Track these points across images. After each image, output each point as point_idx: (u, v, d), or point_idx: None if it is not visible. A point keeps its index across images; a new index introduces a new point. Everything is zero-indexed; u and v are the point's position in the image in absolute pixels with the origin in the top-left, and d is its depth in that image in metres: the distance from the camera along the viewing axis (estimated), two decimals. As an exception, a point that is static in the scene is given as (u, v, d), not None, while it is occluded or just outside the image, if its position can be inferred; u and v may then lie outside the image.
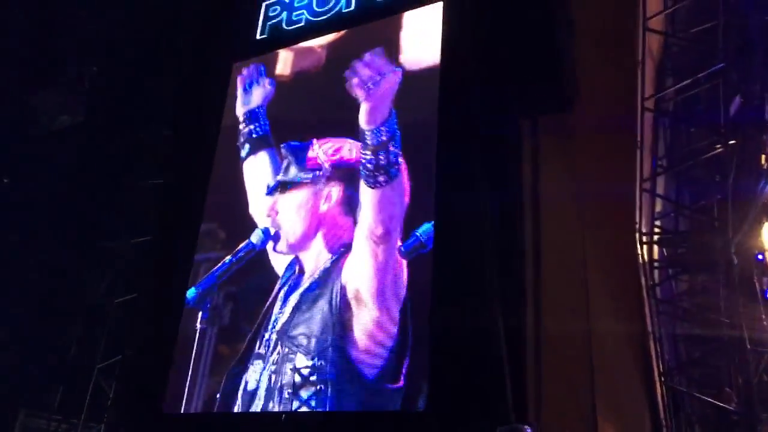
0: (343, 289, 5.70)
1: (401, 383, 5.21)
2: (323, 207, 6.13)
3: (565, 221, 5.13)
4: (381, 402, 5.28)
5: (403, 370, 5.24)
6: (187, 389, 6.27)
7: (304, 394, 5.53)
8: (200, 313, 6.41)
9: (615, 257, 5.12)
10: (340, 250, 5.92)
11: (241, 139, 6.97)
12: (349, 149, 6.19)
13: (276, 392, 5.68)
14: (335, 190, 6.13)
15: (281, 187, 6.36)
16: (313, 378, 5.52)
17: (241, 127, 7.05)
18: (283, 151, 6.48)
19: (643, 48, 5.52)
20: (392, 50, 6.44)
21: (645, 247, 5.24)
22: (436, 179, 5.69)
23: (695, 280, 6.06)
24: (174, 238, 7.55)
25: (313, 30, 7.44)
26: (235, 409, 5.91)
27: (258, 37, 7.89)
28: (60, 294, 8.17)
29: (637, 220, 5.20)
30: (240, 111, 7.17)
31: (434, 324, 5.21)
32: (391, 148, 5.81)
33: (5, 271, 8.21)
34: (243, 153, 6.92)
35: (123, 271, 8.04)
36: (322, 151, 6.27)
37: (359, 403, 5.35)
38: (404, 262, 5.55)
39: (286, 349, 5.74)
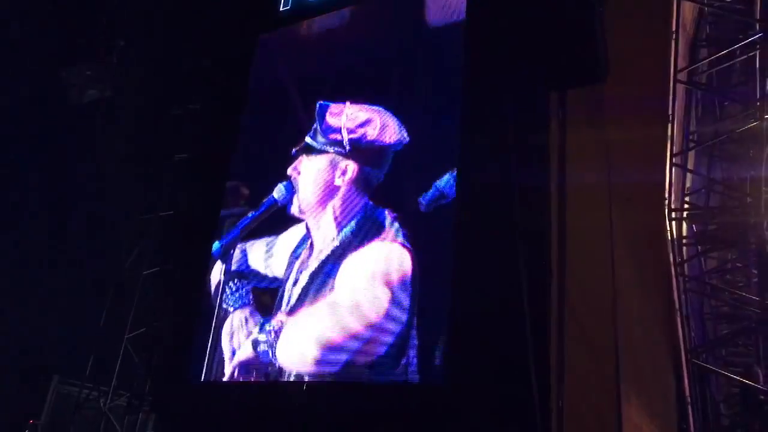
0: (343, 281, 5.70)
1: (405, 360, 5.25)
2: (338, 180, 6.15)
3: (593, 196, 5.05)
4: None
5: (408, 357, 5.27)
6: (208, 350, 6.43)
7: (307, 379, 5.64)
8: (223, 266, 6.60)
9: (643, 233, 5.03)
10: (347, 233, 5.92)
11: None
12: (375, 127, 6.14)
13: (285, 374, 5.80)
14: (351, 167, 6.13)
15: (306, 149, 6.43)
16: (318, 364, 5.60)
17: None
18: (317, 110, 6.42)
19: (677, 18, 5.34)
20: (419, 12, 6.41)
21: (674, 223, 5.14)
22: (458, 151, 5.63)
23: (725, 258, 5.95)
24: (199, 209, 7.64)
25: (338, 1, 7.37)
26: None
27: (282, 8, 7.84)
28: (91, 266, 8.35)
29: (667, 195, 5.09)
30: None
31: (455, 301, 5.20)
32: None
33: (39, 244, 8.41)
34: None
35: (151, 243, 8.18)
36: (348, 118, 6.26)
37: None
38: (408, 254, 5.51)
39: (292, 335, 5.81)
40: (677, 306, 4.92)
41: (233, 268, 6.56)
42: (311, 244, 6.14)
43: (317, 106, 6.49)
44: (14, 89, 8.13)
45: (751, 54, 5.50)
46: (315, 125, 6.43)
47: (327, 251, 5.95)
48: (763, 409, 4.94)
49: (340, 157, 6.16)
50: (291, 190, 6.41)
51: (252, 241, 6.58)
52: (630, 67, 5.30)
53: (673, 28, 5.31)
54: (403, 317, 5.35)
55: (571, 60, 5.16)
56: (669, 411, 4.69)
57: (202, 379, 6.47)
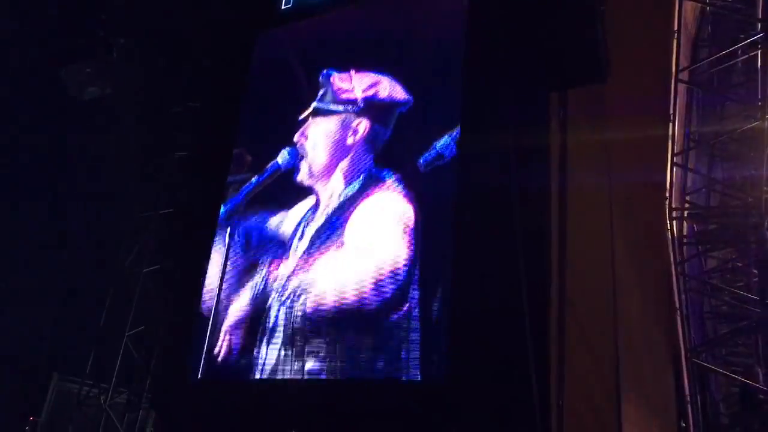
0: (349, 233, 5.86)
1: (405, 309, 5.38)
2: (349, 140, 6.26)
3: (593, 196, 5.05)
4: (384, 334, 5.43)
5: (415, 297, 5.39)
6: (213, 311, 6.47)
7: (313, 341, 5.73)
8: (228, 229, 6.67)
9: (643, 232, 5.04)
10: (354, 189, 6.06)
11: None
12: (385, 87, 6.30)
13: (290, 336, 5.92)
14: (363, 125, 6.21)
15: (314, 113, 6.50)
16: (319, 323, 5.72)
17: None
18: (321, 79, 6.62)
19: (679, 18, 5.34)
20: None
21: (675, 222, 5.14)
22: (458, 151, 5.67)
23: (725, 257, 5.95)
24: (199, 207, 7.64)
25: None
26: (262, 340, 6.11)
27: (283, 7, 7.83)
28: (91, 263, 8.34)
29: (668, 194, 5.09)
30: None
31: (454, 299, 5.22)
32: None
33: (39, 242, 8.41)
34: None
35: (151, 241, 8.18)
36: (358, 82, 6.33)
37: (368, 337, 5.49)
38: (411, 206, 5.63)
39: (299, 292, 5.95)
40: (677, 305, 4.92)
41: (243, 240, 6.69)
42: (317, 203, 6.27)
43: (324, 73, 6.63)
44: (14, 87, 8.12)
45: (753, 54, 5.50)
46: (324, 90, 6.60)
47: (333, 205, 6.09)
48: (763, 409, 4.95)
49: (353, 116, 6.32)
50: (295, 156, 6.53)
51: (262, 216, 6.67)
52: (631, 66, 5.31)
53: (675, 28, 5.31)
54: (407, 259, 5.50)
55: (571, 60, 5.16)
56: (668, 410, 4.70)
57: (199, 377, 6.48)
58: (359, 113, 6.31)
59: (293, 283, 6.09)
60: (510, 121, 5.32)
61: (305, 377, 5.76)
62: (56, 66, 7.92)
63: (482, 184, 5.49)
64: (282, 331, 6.03)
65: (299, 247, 6.21)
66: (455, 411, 5.01)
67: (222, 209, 7.00)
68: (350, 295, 5.67)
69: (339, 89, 6.51)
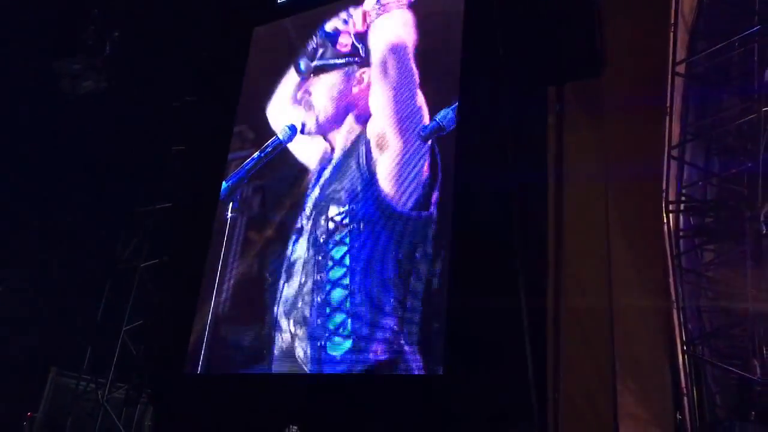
0: (368, 143, 6.02)
1: (432, 210, 5.47)
2: (354, 89, 6.32)
3: (590, 188, 5.05)
4: (414, 230, 5.49)
5: (433, 199, 5.52)
6: (217, 277, 6.64)
7: (337, 236, 5.87)
8: (230, 204, 6.72)
9: (640, 225, 5.03)
10: (365, 126, 6.22)
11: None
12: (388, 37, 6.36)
13: (312, 261, 6.04)
14: (367, 74, 6.22)
15: (316, 70, 6.55)
16: (346, 221, 5.86)
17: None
18: (319, 39, 6.75)
19: (676, 10, 5.32)
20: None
21: (671, 215, 5.13)
22: (456, 147, 5.70)
23: (721, 250, 5.95)
24: (197, 203, 7.63)
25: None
26: (281, 283, 6.21)
27: (279, 1, 7.82)
28: (88, 258, 8.34)
29: (664, 187, 5.08)
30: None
31: (452, 299, 5.24)
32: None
33: (36, 236, 8.40)
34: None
35: (148, 235, 8.17)
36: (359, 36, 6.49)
37: (393, 233, 5.61)
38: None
39: (321, 211, 6.11)
40: (674, 298, 4.92)
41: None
42: (331, 148, 6.38)
43: (322, 30, 6.76)
44: (9, 81, 8.09)
45: (750, 46, 5.49)
46: (321, 51, 6.72)
47: (347, 146, 6.23)
48: (759, 401, 4.96)
49: (354, 68, 6.43)
50: (295, 131, 6.59)
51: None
52: (627, 59, 5.29)
53: (672, 20, 5.29)
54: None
55: (568, 53, 5.16)
56: (665, 402, 4.70)
57: (199, 371, 6.49)
58: (361, 64, 6.39)
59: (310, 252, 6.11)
60: (507, 115, 5.33)
61: (308, 370, 5.76)
62: (50, 60, 7.90)
63: (480, 178, 5.50)
64: (291, 315, 6.03)
65: (317, 184, 6.31)
66: (452, 403, 5.02)
67: (224, 185, 7.08)
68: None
69: (340, 43, 6.55)
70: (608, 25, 5.14)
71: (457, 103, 5.78)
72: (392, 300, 5.50)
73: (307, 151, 6.66)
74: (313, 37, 7.01)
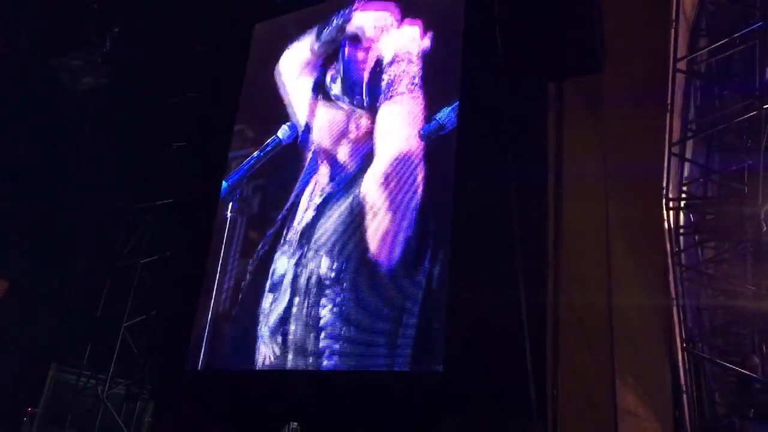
0: (362, 197, 5.94)
1: (424, 267, 5.41)
2: (352, 135, 6.27)
3: (590, 185, 5.04)
4: (402, 290, 5.47)
5: (425, 264, 5.44)
6: (218, 276, 6.60)
7: (328, 292, 5.79)
8: (230, 203, 6.73)
9: (640, 222, 5.03)
10: (363, 159, 6.14)
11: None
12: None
13: (300, 289, 6.00)
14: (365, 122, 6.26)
15: (324, 96, 6.64)
16: (333, 276, 5.79)
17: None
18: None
19: (677, 7, 5.31)
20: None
21: (672, 212, 5.13)
22: (456, 145, 5.69)
23: (722, 247, 5.95)
24: (197, 199, 7.63)
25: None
26: (265, 292, 6.21)
27: (279, -1, 7.80)
28: (88, 254, 8.34)
29: (665, 184, 5.08)
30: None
31: (451, 297, 5.24)
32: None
33: (36, 232, 8.40)
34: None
35: (148, 232, 8.17)
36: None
37: (381, 292, 5.54)
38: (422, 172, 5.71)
39: (310, 252, 6.04)
40: (673, 295, 4.92)
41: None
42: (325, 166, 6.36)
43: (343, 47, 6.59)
44: (6, 77, 8.08)
45: (751, 44, 5.48)
46: (337, 73, 6.57)
47: (342, 177, 6.20)
48: (759, 398, 4.96)
49: (359, 111, 6.35)
50: (295, 130, 6.57)
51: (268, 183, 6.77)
52: (628, 56, 5.28)
53: (673, 17, 5.28)
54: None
55: (568, 49, 5.14)
56: (664, 399, 4.71)
57: (199, 368, 6.49)
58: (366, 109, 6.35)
59: (308, 255, 6.11)
60: (507, 112, 5.31)
61: (308, 367, 5.76)
62: (49, 57, 7.89)
63: (479, 176, 5.49)
64: (290, 315, 6.03)
65: (307, 212, 6.26)
66: (452, 401, 5.02)
67: (224, 184, 7.06)
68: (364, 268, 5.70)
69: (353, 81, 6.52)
70: (609, 22, 5.13)
71: (457, 102, 5.76)
72: (391, 300, 5.50)
73: (305, 160, 6.61)
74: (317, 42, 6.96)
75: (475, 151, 5.60)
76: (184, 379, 6.73)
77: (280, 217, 6.49)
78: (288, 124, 6.77)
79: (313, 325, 5.80)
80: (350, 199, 6.00)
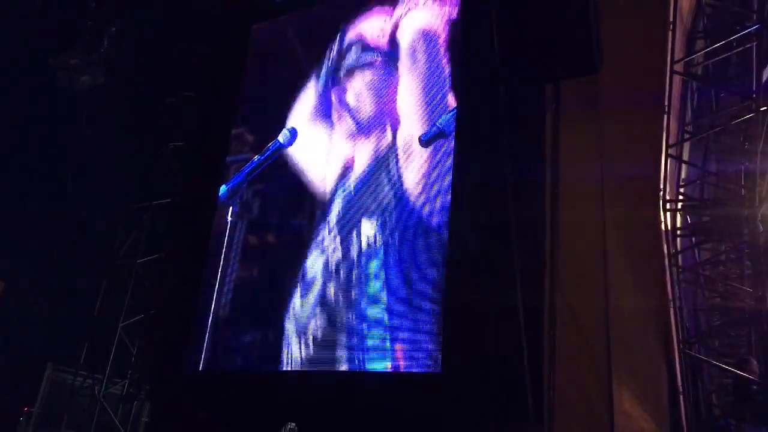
0: (397, 153, 5.95)
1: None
2: (386, 90, 6.26)
3: (586, 187, 5.05)
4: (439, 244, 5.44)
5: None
6: (216, 289, 6.56)
7: (371, 251, 5.76)
8: (230, 208, 6.70)
9: (636, 223, 5.03)
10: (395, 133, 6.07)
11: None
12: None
13: (333, 273, 5.93)
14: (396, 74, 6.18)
15: (347, 72, 6.56)
16: (379, 236, 5.77)
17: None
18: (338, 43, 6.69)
19: (674, 9, 5.32)
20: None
21: (669, 214, 5.14)
22: (453, 146, 5.69)
23: (718, 249, 5.96)
24: (194, 199, 7.62)
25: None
26: (293, 291, 6.15)
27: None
28: (85, 254, 8.34)
29: (662, 186, 5.08)
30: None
31: (449, 298, 5.25)
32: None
33: (32, 232, 8.39)
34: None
35: (145, 232, 8.16)
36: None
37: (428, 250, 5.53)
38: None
39: (350, 226, 5.99)
40: (670, 297, 4.92)
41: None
42: (352, 158, 6.27)
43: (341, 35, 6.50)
44: (5, 76, 8.07)
45: (748, 46, 5.49)
46: (345, 49, 6.51)
47: (373, 160, 6.11)
48: (755, 400, 4.97)
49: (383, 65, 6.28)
50: (296, 134, 6.53)
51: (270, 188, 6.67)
52: (625, 58, 5.29)
53: (670, 19, 5.29)
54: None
55: (565, 51, 5.15)
56: (660, 400, 4.71)
57: (197, 369, 6.49)
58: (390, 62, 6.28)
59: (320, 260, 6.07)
60: (504, 113, 5.32)
61: (308, 367, 5.76)
62: (46, 56, 7.88)
63: (477, 176, 5.50)
64: (294, 315, 6.01)
65: (339, 197, 6.19)
66: (449, 400, 5.03)
67: (223, 188, 7.01)
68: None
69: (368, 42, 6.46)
70: (606, 23, 5.13)
71: (456, 107, 5.75)
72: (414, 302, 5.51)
73: (314, 156, 6.54)
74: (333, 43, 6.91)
75: (473, 152, 5.61)
76: (182, 380, 6.73)
77: (287, 220, 6.43)
78: (288, 128, 6.69)
79: (351, 339, 5.72)
80: (383, 180, 5.94)
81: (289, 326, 6.01)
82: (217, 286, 6.60)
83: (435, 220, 5.56)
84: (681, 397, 4.73)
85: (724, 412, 5.40)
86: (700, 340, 5.55)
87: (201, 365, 6.48)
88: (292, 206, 6.51)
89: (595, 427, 4.54)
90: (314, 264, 6.14)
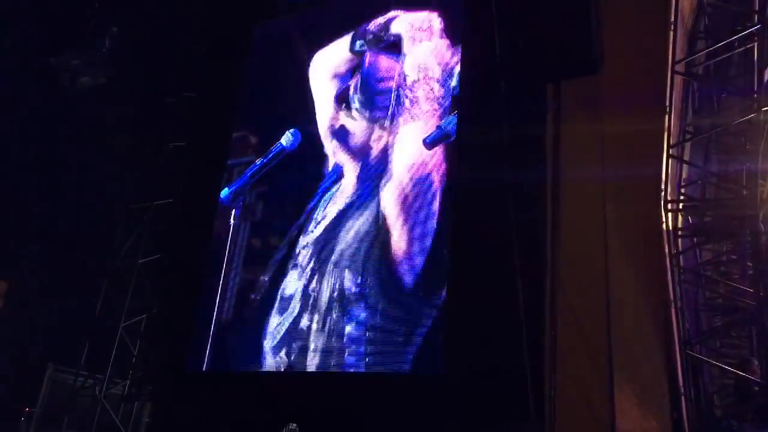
0: (383, 210, 5.88)
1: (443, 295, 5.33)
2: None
3: (587, 187, 5.05)
4: (419, 311, 5.42)
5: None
6: (219, 291, 6.53)
7: (352, 307, 5.73)
8: (233, 211, 6.69)
9: (637, 224, 5.03)
10: (380, 170, 6.05)
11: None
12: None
13: (319, 303, 5.89)
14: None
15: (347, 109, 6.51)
16: (357, 292, 5.73)
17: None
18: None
19: (675, 9, 5.31)
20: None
21: (670, 214, 5.13)
22: (456, 149, 5.69)
23: (720, 249, 5.95)
24: (195, 199, 7.62)
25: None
26: (272, 312, 6.14)
27: (279, -1, 7.80)
28: (86, 254, 8.34)
29: (663, 187, 5.08)
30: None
31: (451, 298, 5.24)
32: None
33: (33, 233, 8.39)
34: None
35: (146, 232, 8.17)
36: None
37: (404, 305, 5.49)
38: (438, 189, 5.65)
39: (330, 266, 5.96)
40: (672, 297, 4.92)
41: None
42: (340, 177, 6.27)
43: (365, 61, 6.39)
44: (6, 77, 8.08)
45: (749, 46, 5.48)
46: (360, 84, 6.41)
47: (359, 189, 6.10)
48: (756, 400, 4.96)
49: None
50: (299, 137, 6.51)
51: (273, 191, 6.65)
52: (626, 58, 5.28)
53: (672, 19, 5.28)
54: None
55: (566, 51, 5.14)
56: (662, 401, 4.70)
57: (199, 369, 6.49)
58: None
59: (313, 261, 6.07)
60: (505, 113, 5.32)
61: (308, 369, 5.75)
62: (48, 56, 7.88)
63: (478, 176, 5.50)
64: (294, 317, 6.01)
65: (322, 222, 6.18)
66: (449, 400, 5.02)
67: (226, 191, 6.98)
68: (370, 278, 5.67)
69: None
70: (607, 23, 5.13)
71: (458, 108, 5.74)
72: (411, 312, 5.49)
73: (313, 164, 6.54)
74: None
75: (474, 152, 5.61)
76: (184, 380, 6.73)
77: (292, 228, 6.41)
78: (291, 131, 6.64)
79: (337, 337, 5.74)
80: (369, 211, 5.92)
81: (302, 335, 6.00)
82: (220, 288, 6.58)
83: (428, 241, 5.53)
84: (682, 397, 4.72)
85: (726, 412, 5.39)
86: (702, 341, 5.54)
87: (204, 366, 6.48)
88: (295, 208, 6.50)
89: (596, 427, 4.54)
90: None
